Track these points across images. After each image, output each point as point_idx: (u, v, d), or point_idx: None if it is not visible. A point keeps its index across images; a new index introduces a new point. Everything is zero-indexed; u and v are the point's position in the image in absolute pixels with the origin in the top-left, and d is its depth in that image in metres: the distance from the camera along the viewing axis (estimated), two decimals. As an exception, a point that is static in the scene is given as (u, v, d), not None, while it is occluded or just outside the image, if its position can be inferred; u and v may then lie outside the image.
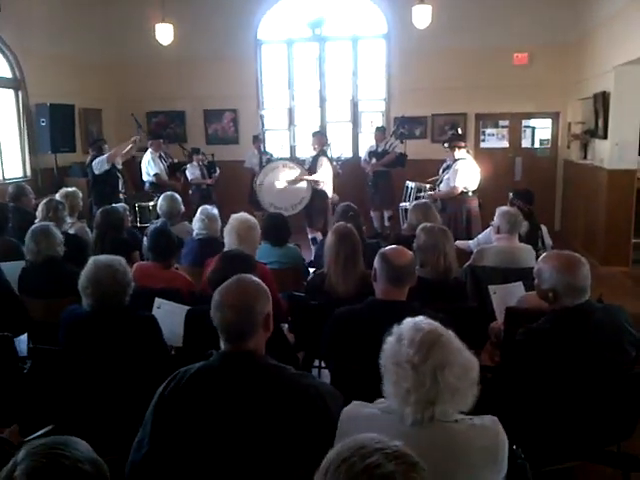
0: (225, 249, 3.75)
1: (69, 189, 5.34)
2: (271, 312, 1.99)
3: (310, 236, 7.42)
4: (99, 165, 6.98)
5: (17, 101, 8.54)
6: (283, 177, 7.54)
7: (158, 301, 3.19)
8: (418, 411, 1.58)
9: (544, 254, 2.63)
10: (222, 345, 1.94)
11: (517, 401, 2.49)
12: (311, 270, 4.90)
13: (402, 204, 7.17)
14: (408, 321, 1.71)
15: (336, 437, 1.70)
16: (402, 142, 8.90)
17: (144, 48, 9.52)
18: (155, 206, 6.59)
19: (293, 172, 7.53)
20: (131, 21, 9.91)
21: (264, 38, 10.33)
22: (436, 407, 1.58)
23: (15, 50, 8.28)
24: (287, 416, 1.80)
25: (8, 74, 8.39)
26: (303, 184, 7.42)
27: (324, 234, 7.42)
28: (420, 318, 1.72)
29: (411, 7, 7.71)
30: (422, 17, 7.56)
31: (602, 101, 7.26)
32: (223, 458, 1.78)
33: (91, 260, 2.72)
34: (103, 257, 2.73)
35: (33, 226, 3.84)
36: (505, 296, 3.41)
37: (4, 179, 8.27)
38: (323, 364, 3.88)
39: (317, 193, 7.42)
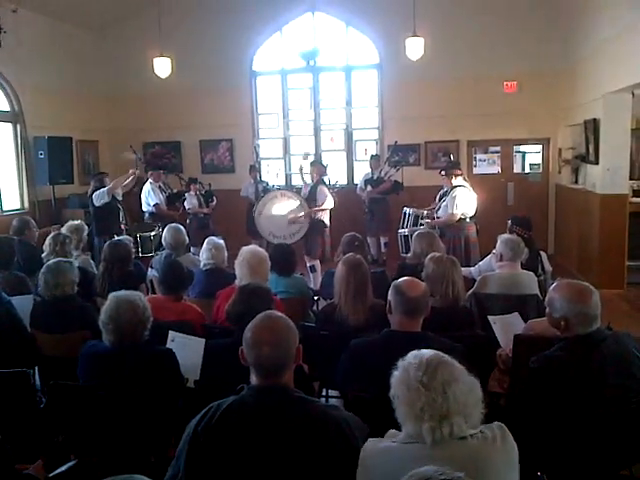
0: (237, 281, 3.82)
1: (75, 222, 5.38)
2: (300, 345, 2.05)
3: (308, 264, 7.48)
4: (99, 197, 7.04)
5: (15, 134, 8.65)
6: (281, 206, 7.63)
7: (172, 334, 3.21)
8: (435, 427, 1.67)
9: (555, 283, 2.70)
10: (253, 379, 1.99)
11: (532, 427, 2.54)
12: (315, 298, 4.98)
13: (400, 230, 7.24)
14: (411, 353, 1.84)
15: (357, 475, 1.78)
16: (397, 169, 9.06)
17: (141, 80, 9.70)
18: (156, 236, 6.64)
19: (291, 201, 7.62)
20: (128, 54, 10.09)
21: (259, 69, 10.53)
22: (451, 420, 1.67)
23: (13, 84, 8.41)
24: (320, 449, 1.84)
25: (6, 107, 8.50)
26: (301, 213, 7.50)
27: (322, 262, 7.52)
28: (422, 350, 1.85)
29: (402, 38, 7.94)
30: (415, 49, 7.79)
31: (592, 128, 7.45)
32: None
33: (112, 296, 2.77)
34: (123, 293, 2.78)
35: (49, 261, 3.86)
36: (505, 326, 3.48)
37: (2, 211, 8.31)
38: (331, 392, 3.93)
39: (315, 222, 7.50)
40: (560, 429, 2.46)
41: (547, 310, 2.67)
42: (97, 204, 7.05)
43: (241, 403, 1.93)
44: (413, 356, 1.81)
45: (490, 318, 3.52)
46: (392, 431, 1.91)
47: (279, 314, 2.10)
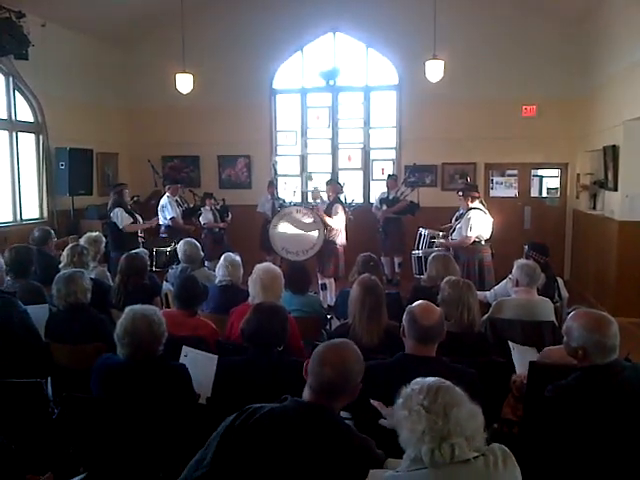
0: (250, 298, 3.82)
1: (94, 234, 5.43)
2: (360, 384, 2.10)
3: (320, 282, 7.47)
4: (118, 220, 7.06)
5: (38, 145, 8.79)
6: (296, 223, 7.64)
7: (185, 349, 3.22)
8: (435, 448, 1.67)
9: (573, 312, 2.67)
10: (305, 393, 2.03)
11: (545, 456, 2.50)
12: (328, 317, 4.97)
13: (414, 252, 7.22)
14: (413, 381, 1.86)
15: None
16: (413, 190, 9.07)
17: (162, 95, 9.83)
18: (172, 251, 6.68)
19: (306, 218, 7.63)
20: (150, 69, 10.26)
21: (279, 87, 10.64)
22: (451, 441, 1.67)
23: (38, 96, 8.57)
24: (344, 473, 1.86)
25: (31, 119, 8.65)
26: (316, 231, 7.51)
27: (336, 280, 7.51)
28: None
29: (421, 60, 8.00)
30: (435, 71, 7.83)
31: (612, 154, 7.41)
32: None
33: (128, 310, 2.78)
34: (139, 307, 2.79)
35: (61, 272, 3.91)
36: (523, 353, 3.44)
37: (21, 220, 8.42)
38: (343, 413, 3.90)
39: (329, 239, 7.50)
40: (573, 459, 2.41)
41: (564, 339, 2.64)
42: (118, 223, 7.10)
43: (283, 412, 1.96)
44: (415, 382, 1.83)
45: (511, 343, 3.48)
46: (390, 460, 1.94)
47: (353, 346, 2.14)
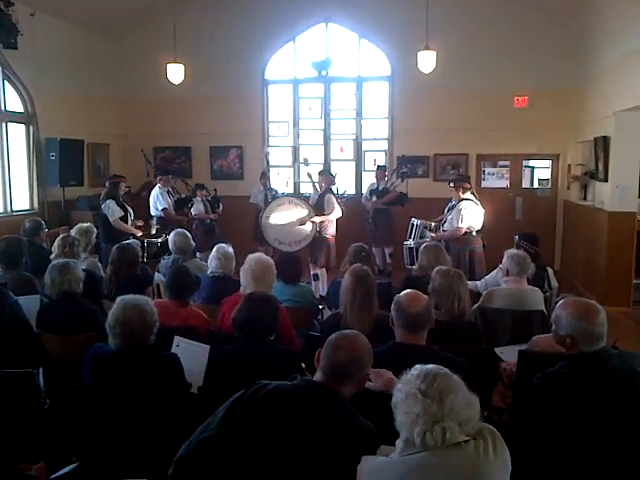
0: (241, 288, 3.83)
1: (85, 225, 5.41)
2: (368, 375, 2.21)
3: (312, 272, 7.49)
4: (109, 213, 7.00)
5: (28, 135, 8.73)
6: (289, 213, 7.64)
7: (177, 339, 3.23)
8: (427, 429, 1.70)
9: (562, 301, 2.70)
10: (317, 376, 2.10)
11: (533, 443, 2.53)
12: (320, 307, 4.98)
13: (406, 242, 7.24)
14: (414, 367, 1.89)
15: None
16: (403, 181, 9.08)
17: (153, 86, 9.79)
18: (164, 242, 6.66)
19: (299, 209, 7.61)
20: (141, 60, 10.19)
21: (271, 78, 10.60)
22: (443, 424, 1.70)
23: (28, 86, 8.50)
24: (346, 456, 1.88)
25: (20, 109, 8.59)
26: (312, 218, 7.51)
27: (328, 270, 7.52)
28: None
29: (413, 51, 7.98)
30: (427, 62, 7.82)
31: (603, 145, 7.45)
32: (273, 472, 1.90)
33: (119, 300, 2.78)
34: (131, 297, 2.80)
35: (53, 262, 3.90)
36: (511, 353, 3.46)
37: (12, 211, 8.38)
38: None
39: (321, 230, 7.50)
40: (561, 446, 2.45)
41: (553, 327, 2.67)
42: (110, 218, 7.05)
43: (292, 390, 2.02)
44: (415, 368, 1.86)
45: (497, 350, 3.50)
46: (383, 447, 1.95)
47: (367, 340, 2.22)
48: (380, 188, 9.15)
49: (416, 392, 1.75)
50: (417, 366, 1.87)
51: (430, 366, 1.85)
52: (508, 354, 3.43)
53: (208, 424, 2.01)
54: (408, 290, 2.91)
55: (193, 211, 8.49)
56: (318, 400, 1.99)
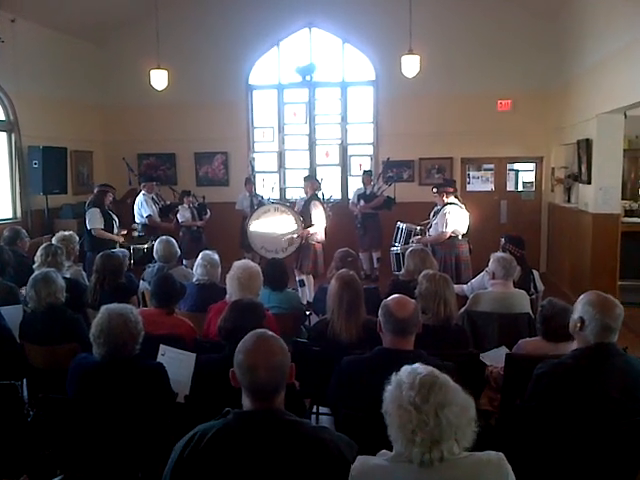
0: (227, 296, 3.80)
1: (66, 233, 5.34)
2: (292, 364, 2.01)
3: (297, 278, 7.46)
4: (90, 221, 6.91)
5: (10, 143, 8.64)
6: (275, 221, 7.61)
7: (163, 348, 3.19)
8: (425, 451, 1.66)
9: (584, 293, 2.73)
10: (245, 401, 1.94)
11: (530, 435, 2.53)
12: (307, 313, 4.96)
13: (393, 249, 7.24)
14: (405, 368, 1.81)
15: None
16: (389, 185, 9.10)
17: (137, 92, 9.73)
18: (149, 249, 6.61)
19: (284, 216, 7.60)
20: (124, 66, 10.15)
21: (255, 83, 10.58)
22: (442, 445, 1.66)
23: (9, 93, 8.41)
24: (310, 472, 1.82)
25: (2, 117, 8.50)
26: (294, 227, 7.48)
27: (314, 277, 7.50)
28: (416, 364, 1.82)
29: (397, 56, 8.00)
30: (410, 66, 7.85)
31: (585, 147, 7.51)
32: None
33: (104, 309, 2.74)
34: (115, 306, 2.75)
35: (35, 273, 3.84)
36: (495, 357, 3.47)
37: (-6, 220, 8.28)
38: (322, 409, 3.91)
39: (307, 238, 7.47)
40: (558, 436, 2.45)
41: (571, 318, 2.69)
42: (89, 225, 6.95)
43: (227, 430, 1.86)
44: (407, 373, 1.78)
45: (481, 356, 3.50)
46: (384, 451, 1.88)
47: (270, 334, 2.04)
48: (367, 192, 9.15)
49: (410, 408, 1.67)
50: (408, 369, 1.79)
51: (423, 372, 1.76)
52: (492, 358, 3.43)
53: None
54: (395, 295, 2.90)
55: (180, 218, 8.45)
56: (254, 431, 1.85)
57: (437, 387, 1.70)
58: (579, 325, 2.60)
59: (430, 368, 1.79)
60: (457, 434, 1.68)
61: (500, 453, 1.78)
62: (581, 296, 2.73)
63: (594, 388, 2.48)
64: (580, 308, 2.64)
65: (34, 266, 4.66)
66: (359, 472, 1.79)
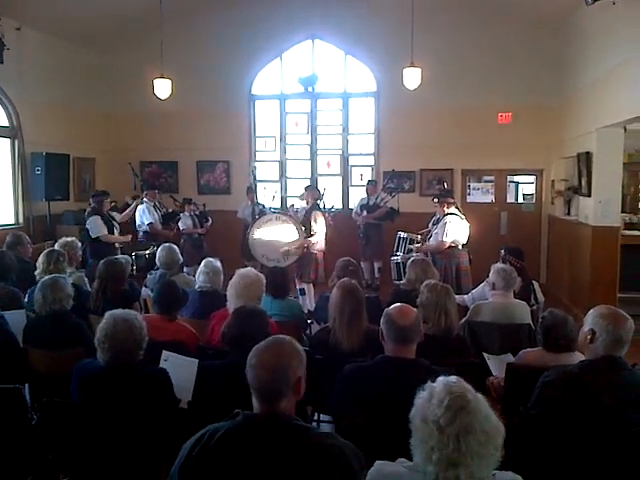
0: (227, 303, 3.82)
1: (68, 239, 5.36)
2: (303, 376, 2.00)
3: (298, 287, 7.48)
4: (93, 230, 6.95)
5: (13, 149, 8.68)
6: (276, 230, 7.64)
7: (166, 354, 3.21)
8: (441, 470, 1.63)
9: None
10: (253, 402, 1.96)
11: (536, 442, 2.54)
12: (308, 322, 4.98)
13: (393, 258, 7.28)
14: (442, 380, 1.74)
15: None
16: (392, 196, 9.14)
17: (140, 101, 9.78)
18: (151, 255, 6.63)
19: (286, 225, 7.63)
20: (128, 75, 10.23)
21: (258, 93, 10.66)
22: (459, 469, 1.61)
23: (13, 100, 8.47)
24: (312, 477, 1.82)
25: (5, 123, 8.55)
26: (295, 236, 7.51)
27: (315, 285, 7.52)
28: (453, 379, 1.74)
29: (399, 68, 8.07)
30: (412, 78, 7.90)
31: (585, 161, 7.56)
32: None
33: (109, 314, 2.76)
34: (120, 312, 2.78)
35: (44, 277, 3.86)
36: (499, 363, 3.50)
37: (-4, 226, 8.31)
38: (323, 417, 3.92)
39: (309, 246, 7.50)
40: (561, 445, 2.47)
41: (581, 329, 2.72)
42: (92, 235, 6.98)
43: (235, 430, 1.88)
44: (442, 386, 1.71)
45: (485, 355, 3.54)
46: (401, 459, 1.85)
47: (288, 339, 2.04)
48: (371, 203, 9.18)
49: (433, 425, 1.63)
50: (445, 382, 1.71)
51: (456, 391, 1.67)
52: (495, 363, 3.45)
53: None
54: (397, 303, 2.92)
55: (181, 225, 8.49)
56: (262, 435, 1.85)
57: (465, 412, 1.63)
58: (589, 337, 2.63)
59: (466, 388, 1.71)
60: (479, 461, 1.61)
61: (518, 476, 1.75)
62: (591, 310, 2.76)
63: (599, 399, 2.50)
64: (591, 320, 2.66)
65: (36, 272, 4.68)
66: (375, 478, 1.80)
